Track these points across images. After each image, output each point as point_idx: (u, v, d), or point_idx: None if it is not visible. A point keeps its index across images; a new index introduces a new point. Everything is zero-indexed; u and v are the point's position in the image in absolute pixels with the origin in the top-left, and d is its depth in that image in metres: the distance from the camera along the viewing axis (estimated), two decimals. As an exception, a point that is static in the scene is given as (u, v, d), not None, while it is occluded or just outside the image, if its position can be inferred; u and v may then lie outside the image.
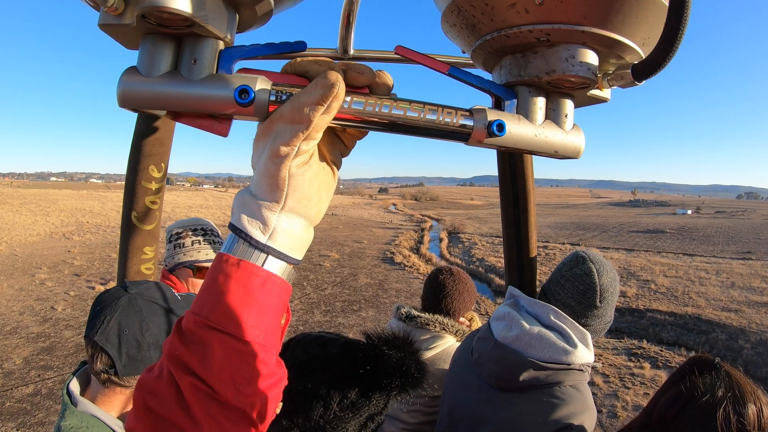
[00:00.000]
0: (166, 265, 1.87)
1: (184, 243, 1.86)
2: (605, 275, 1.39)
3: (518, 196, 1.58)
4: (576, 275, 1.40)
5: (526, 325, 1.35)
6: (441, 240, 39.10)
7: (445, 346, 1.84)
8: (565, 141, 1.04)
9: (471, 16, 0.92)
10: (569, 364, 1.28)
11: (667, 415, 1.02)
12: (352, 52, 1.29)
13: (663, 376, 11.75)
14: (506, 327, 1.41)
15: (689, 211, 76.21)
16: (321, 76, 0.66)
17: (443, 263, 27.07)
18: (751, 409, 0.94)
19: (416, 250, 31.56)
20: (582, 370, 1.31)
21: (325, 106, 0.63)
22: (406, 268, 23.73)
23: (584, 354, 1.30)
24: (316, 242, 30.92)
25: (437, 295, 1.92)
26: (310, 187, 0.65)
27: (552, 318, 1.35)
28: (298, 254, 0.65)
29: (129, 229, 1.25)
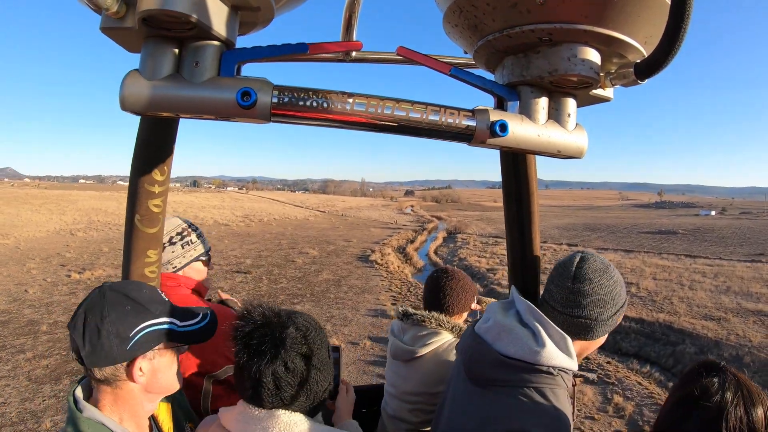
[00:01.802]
0: (175, 267, 1.84)
1: (192, 240, 1.91)
2: (590, 263, 1.27)
3: (521, 197, 1.57)
4: (559, 262, 1.33)
5: (500, 318, 1.31)
6: (436, 239, 38.96)
7: (440, 342, 1.85)
8: (568, 141, 1.03)
9: (473, 17, 0.92)
10: (534, 363, 1.20)
11: (673, 418, 1.00)
12: (354, 54, 1.29)
13: (588, 393, 10.31)
14: (485, 319, 1.38)
15: (713, 212, 73.39)
16: None
17: (421, 263, 26.98)
18: (760, 411, 0.93)
19: (402, 249, 31.40)
20: (552, 374, 1.21)
21: None
22: (376, 266, 23.41)
23: (555, 355, 1.21)
24: (302, 240, 30.83)
25: (436, 294, 1.94)
26: None
27: (527, 315, 1.29)
28: None
29: (132, 232, 1.25)
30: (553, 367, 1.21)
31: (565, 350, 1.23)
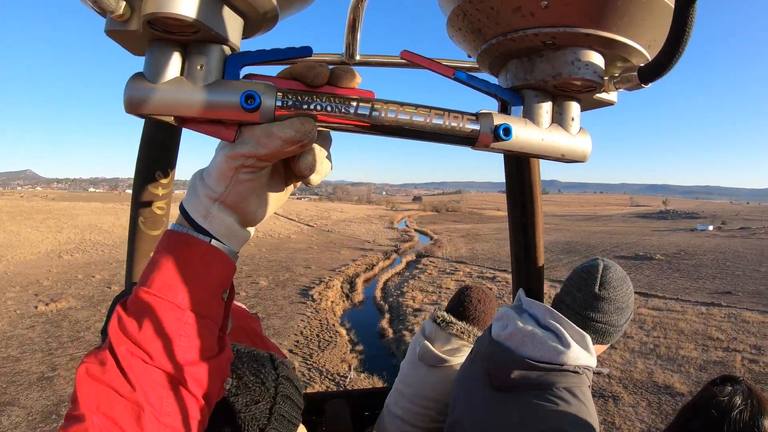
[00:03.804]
0: None
1: None
2: (613, 271, 1.34)
3: (525, 201, 1.57)
4: (581, 268, 1.40)
5: (520, 324, 1.33)
6: (400, 264, 38.05)
7: None
8: (572, 145, 1.03)
9: (476, 20, 0.92)
10: (561, 365, 1.23)
11: (681, 420, 1.01)
12: (358, 57, 1.29)
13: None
14: (502, 326, 1.39)
15: (711, 227, 69.57)
16: (301, 120, 0.69)
17: (361, 297, 26.62)
18: (767, 422, 0.93)
19: (354, 278, 30.93)
20: (578, 372, 1.25)
21: (292, 147, 0.68)
22: (310, 302, 23.24)
23: (580, 355, 1.24)
24: (264, 267, 30.78)
25: (460, 309, 1.97)
26: (251, 195, 0.70)
27: (547, 318, 1.32)
28: (234, 245, 0.70)
29: (136, 234, 1.26)
30: (578, 366, 1.25)
31: (587, 348, 1.28)
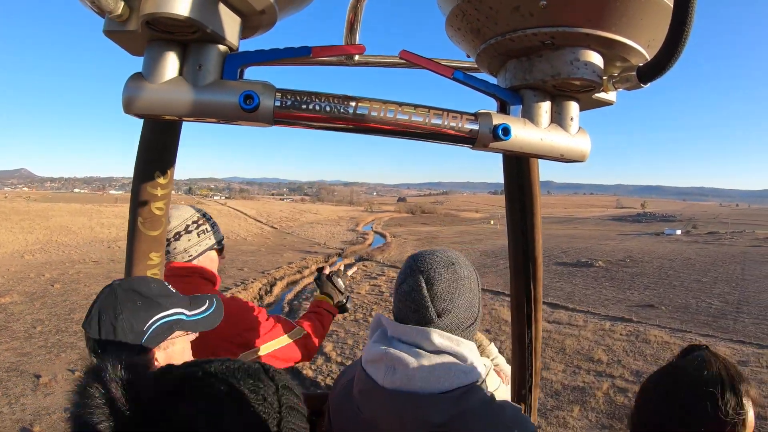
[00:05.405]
0: (191, 255, 1.79)
1: (206, 229, 1.86)
2: (439, 282, 1.05)
3: (524, 201, 1.57)
4: (405, 293, 1.08)
5: (413, 360, 1.04)
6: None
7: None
8: (571, 145, 1.03)
9: (475, 20, 0.92)
10: (476, 381, 1.03)
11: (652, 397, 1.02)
12: (357, 57, 1.29)
13: None
14: (389, 370, 1.07)
15: (678, 231, 68.31)
16: None
17: (271, 300, 26.04)
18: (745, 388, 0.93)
19: (274, 282, 30.35)
20: (482, 384, 1.06)
21: None
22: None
23: (480, 362, 1.07)
24: None
25: None
26: None
27: (435, 341, 1.04)
28: None
29: (135, 235, 1.26)
30: (481, 376, 1.08)
31: (477, 353, 1.11)
